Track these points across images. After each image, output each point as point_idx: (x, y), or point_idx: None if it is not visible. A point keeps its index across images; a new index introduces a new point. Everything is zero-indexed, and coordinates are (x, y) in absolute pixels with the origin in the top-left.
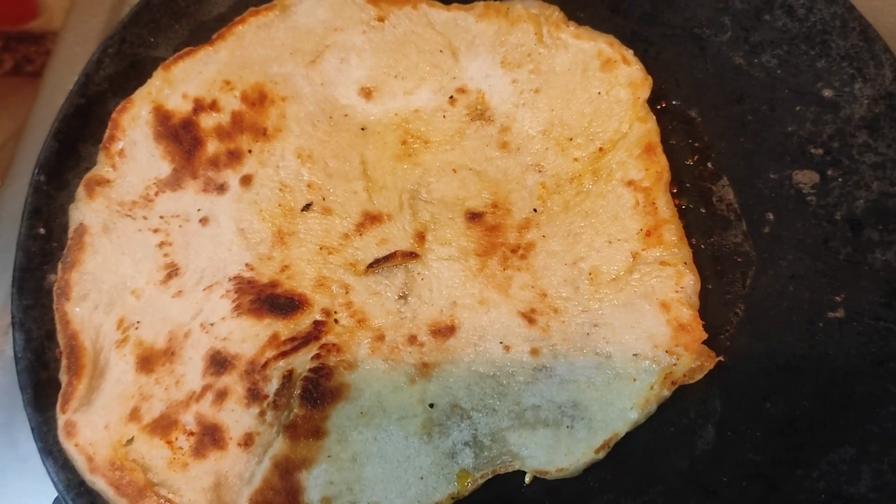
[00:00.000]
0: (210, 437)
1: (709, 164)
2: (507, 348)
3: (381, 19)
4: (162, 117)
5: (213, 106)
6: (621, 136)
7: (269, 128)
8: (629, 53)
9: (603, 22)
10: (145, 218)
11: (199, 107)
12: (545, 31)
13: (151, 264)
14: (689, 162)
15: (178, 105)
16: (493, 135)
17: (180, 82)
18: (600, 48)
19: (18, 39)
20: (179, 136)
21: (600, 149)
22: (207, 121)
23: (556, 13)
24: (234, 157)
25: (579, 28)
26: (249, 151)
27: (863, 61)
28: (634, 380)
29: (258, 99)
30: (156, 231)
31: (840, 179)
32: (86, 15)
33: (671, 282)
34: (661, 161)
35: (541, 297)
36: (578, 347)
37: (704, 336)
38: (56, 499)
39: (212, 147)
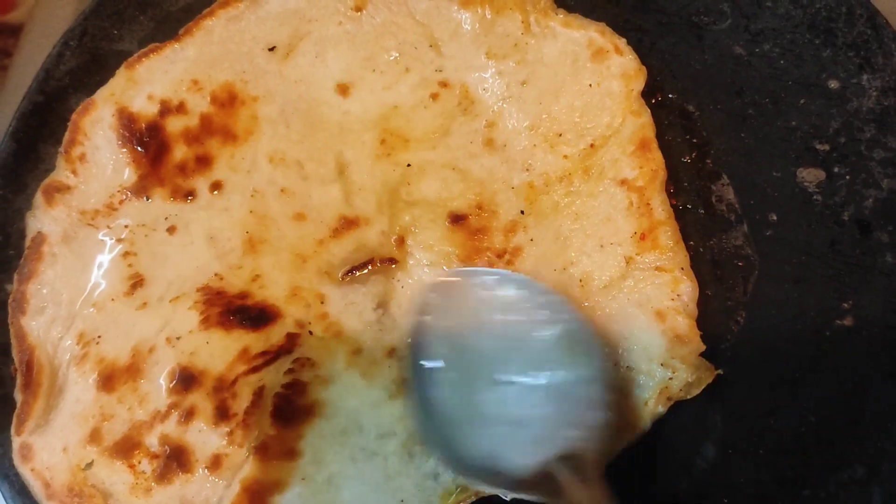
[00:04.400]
0: (175, 459)
1: (707, 162)
2: None
3: (358, 9)
4: (126, 121)
5: (181, 108)
6: (613, 132)
7: (239, 130)
8: (622, 43)
9: (594, 9)
10: (109, 227)
11: (166, 109)
12: (532, 19)
13: (115, 275)
14: (687, 159)
15: (144, 107)
16: (477, 131)
17: (145, 82)
18: (591, 37)
19: None
20: (145, 140)
21: (591, 145)
22: (175, 124)
23: (543, 0)
24: (203, 162)
25: (569, 16)
26: (219, 156)
27: (870, 50)
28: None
29: (228, 99)
30: (120, 240)
31: (847, 177)
32: (52, 6)
33: (667, 289)
34: (657, 158)
35: None
36: None
37: (703, 347)
38: None
39: (179, 152)
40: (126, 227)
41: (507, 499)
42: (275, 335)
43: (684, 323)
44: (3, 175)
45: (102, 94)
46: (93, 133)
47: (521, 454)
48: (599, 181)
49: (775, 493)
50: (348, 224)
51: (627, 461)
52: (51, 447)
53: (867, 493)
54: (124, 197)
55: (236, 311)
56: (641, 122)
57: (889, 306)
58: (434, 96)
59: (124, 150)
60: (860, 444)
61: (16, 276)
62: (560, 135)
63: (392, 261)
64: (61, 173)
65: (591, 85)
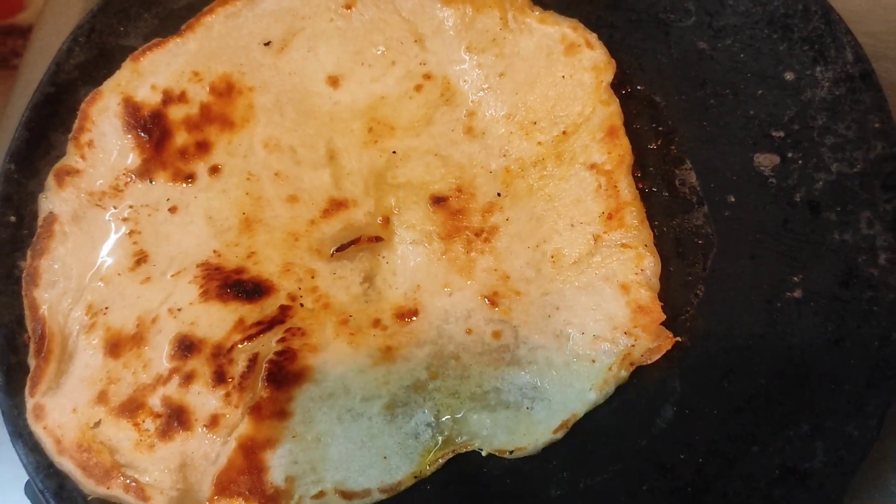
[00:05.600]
0: (176, 418)
1: (672, 148)
2: (469, 331)
3: (348, 6)
4: (131, 109)
5: (182, 97)
6: (584, 120)
7: (237, 118)
8: (593, 37)
9: (568, 7)
10: (115, 207)
11: (168, 98)
12: (510, 15)
13: (120, 252)
14: (653, 146)
15: (148, 96)
16: (458, 119)
17: (149, 73)
18: (564, 32)
19: (5, 32)
20: (149, 127)
21: (564, 132)
22: (176, 112)
23: None
24: (203, 147)
25: (544, 13)
26: (218, 142)
27: (824, 44)
28: (593, 361)
29: (226, 89)
30: (125, 220)
31: (800, 162)
32: (62, 6)
33: (631, 264)
34: (624, 144)
35: (503, 279)
36: (539, 329)
37: (663, 317)
38: (28, 481)
39: (181, 138)
40: (131, 207)
41: (484, 454)
42: (268, 307)
43: (647, 295)
44: (17, 161)
45: (109, 84)
46: (100, 120)
47: None
48: (571, 165)
49: (728, 449)
50: (337, 205)
51: (592, 421)
52: (61, 407)
53: (812, 448)
54: (129, 179)
55: (233, 284)
56: (610, 111)
57: (835, 279)
58: (418, 88)
59: (129, 136)
60: (806, 404)
61: (29, 253)
62: (535, 123)
63: (378, 239)
64: (71, 158)
65: (564, 77)
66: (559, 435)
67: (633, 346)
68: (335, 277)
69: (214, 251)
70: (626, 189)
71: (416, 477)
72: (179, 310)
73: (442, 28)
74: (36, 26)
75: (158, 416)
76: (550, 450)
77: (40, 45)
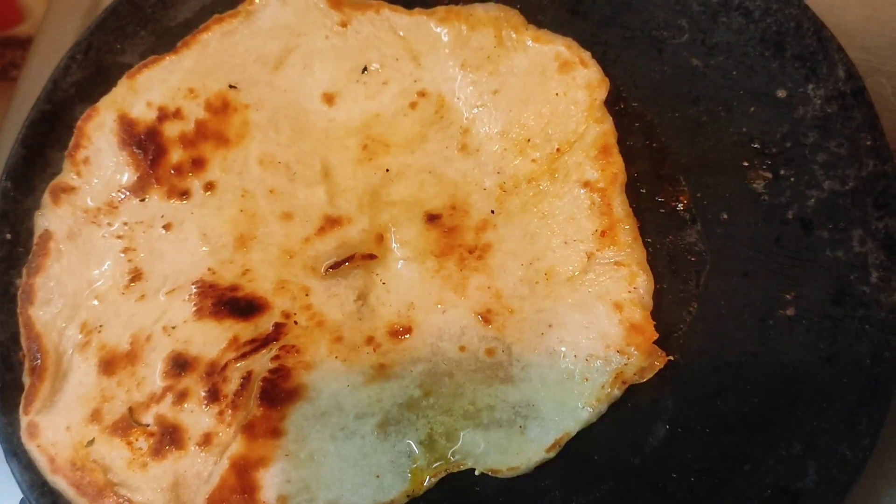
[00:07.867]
0: (170, 437)
1: (665, 165)
2: (462, 348)
3: (343, 24)
4: (126, 125)
5: (177, 114)
6: (578, 138)
7: (232, 135)
8: (587, 56)
9: (562, 25)
10: (110, 224)
11: (164, 115)
12: (504, 34)
13: (115, 269)
14: (646, 163)
15: (143, 113)
16: (453, 137)
17: (145, 90)
18: (558, 50)
19: (4, 44)
20: (144, 144)
21: (557, 150)
22: (171, 129)
23: (515, 16)
24: (198, 164)
25: (538, 31)
26: (213, 158)
27: (816, 62)
28: (586, 379)
29: (221, 107)
30: (120, 237)
31: (792, 179)
32: (61, 20)
33: (624, 282)
34: (617, 162)
35: (496, 297)
36: (533, 347)
37: (655, 336)
38: (22, 499)
39: (176, 155)
40: (125, 224)
41: (477, 473)
42: (263, 324)
43: (640, 313)
44: (14, 178)
45: (105, 101)
46: (96, 137)
47: None
48: (564, 183)
49: (719, 468)
50: (332, 223)
51: (585, 439)
52: (55, 426)
53: (803, 467)
54: (124, 196)
55: (227, 302)
56: (604, 129)
57: (827, 297)
58: (413, 105)
59: (124, 152)
60: (798, 423)
61: (24, 271)
62: (529, 140)
63: (372, 256)
64: (67, 175)
65: (557, 94)
66: (552, 454)
67: (626, 364)
68: (329, 295)
69: (209, 268)
70: (620, 207)
71: (408, 496)
72: (174, 328)
73: (437, 46)
74: (34, 41)
75: (151, 434)
76: (543, 468)
77: (39, 59)
